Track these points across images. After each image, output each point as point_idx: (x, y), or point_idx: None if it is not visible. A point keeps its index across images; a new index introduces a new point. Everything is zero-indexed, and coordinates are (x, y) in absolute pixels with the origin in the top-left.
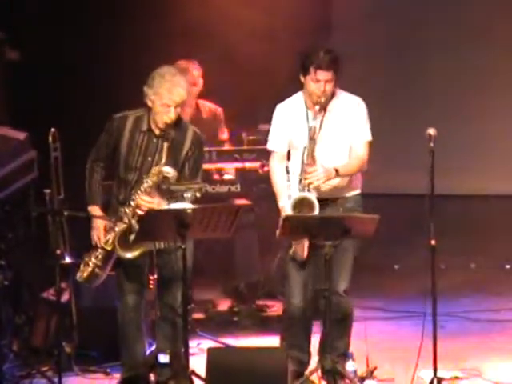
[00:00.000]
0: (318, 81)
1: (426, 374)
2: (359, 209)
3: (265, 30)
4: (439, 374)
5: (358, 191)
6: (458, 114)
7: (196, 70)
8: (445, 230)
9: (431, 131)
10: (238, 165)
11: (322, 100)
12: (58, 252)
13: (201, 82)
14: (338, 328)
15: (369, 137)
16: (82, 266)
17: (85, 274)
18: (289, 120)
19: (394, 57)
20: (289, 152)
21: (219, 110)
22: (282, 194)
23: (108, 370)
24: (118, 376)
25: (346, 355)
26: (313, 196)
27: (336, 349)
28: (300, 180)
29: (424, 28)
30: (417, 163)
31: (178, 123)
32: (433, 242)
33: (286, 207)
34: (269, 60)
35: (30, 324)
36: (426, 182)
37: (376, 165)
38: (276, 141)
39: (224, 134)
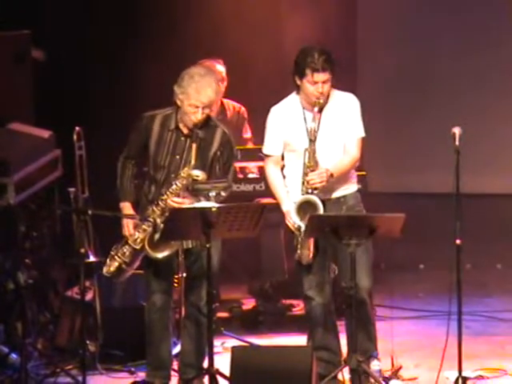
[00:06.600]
0: (316, 83)
1: (451, 373)
2: (360, 205)
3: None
4: (464, 374)
5: (356, 188)
6: (484, 113)
7: (222, 67)
8: (471, 229)
9: (456, 130)
10: (262, 163)
11: (321, 101)
12: (83, 251)
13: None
14: (362, 328)
15: (362, 133)
16: (108, 260)
17: (111, 269)
18: (285, 122)
19: (420, 56)
20: (282, 156)
21: (243, 109)
22: (284, 199)
23: (133, 369)
24: (142, 375)
25: (371, 355)
26: (316, 197)
27: (363, 350)
28: (303, 182)
29: (449, 29)
30: (443, 162)
31: (206, 123)
32: (458, 241)
33: (290, 212)
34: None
35: (55, 323)
36: (451, 181)
37: (402, 163)
38: (273, 144)
39: (247, 133)
